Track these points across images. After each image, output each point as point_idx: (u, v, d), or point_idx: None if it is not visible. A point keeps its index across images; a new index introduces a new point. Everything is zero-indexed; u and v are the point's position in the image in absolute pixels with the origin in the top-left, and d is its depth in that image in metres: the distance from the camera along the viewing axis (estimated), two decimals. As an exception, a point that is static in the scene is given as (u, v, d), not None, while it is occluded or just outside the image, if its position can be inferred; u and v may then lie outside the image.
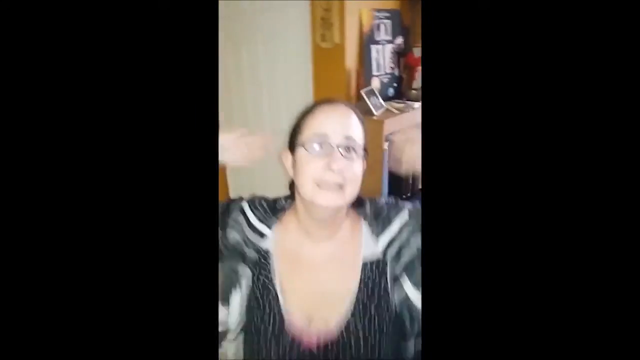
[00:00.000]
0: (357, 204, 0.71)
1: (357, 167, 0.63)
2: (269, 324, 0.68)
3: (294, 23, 1.75)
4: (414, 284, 0.65)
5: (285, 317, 0.67)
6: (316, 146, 0.62)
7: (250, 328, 0.70)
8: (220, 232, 0.72)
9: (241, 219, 0.73)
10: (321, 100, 0.68)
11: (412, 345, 0.68)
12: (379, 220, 0.70)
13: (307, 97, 1.82)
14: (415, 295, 0.65)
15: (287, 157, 0.68)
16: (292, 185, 0.70)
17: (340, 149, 0.61)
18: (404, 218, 0.69)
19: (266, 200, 0.76)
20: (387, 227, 0.69)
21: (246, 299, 0.71)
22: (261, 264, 0.70)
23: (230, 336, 0.73)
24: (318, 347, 0.65)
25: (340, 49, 1.63)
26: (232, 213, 0.73)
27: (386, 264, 0.67)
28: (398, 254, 0.67)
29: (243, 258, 0.71)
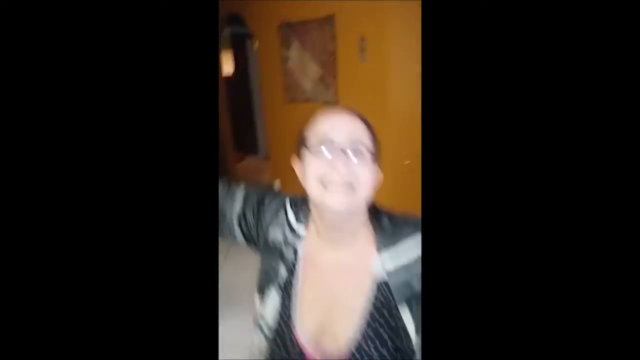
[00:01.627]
0: (374, 214, 0.65)
1: (367, 170, 0.58)
2: (283, 332, 0.65)
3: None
4: (413, 316, 0.60)
5: (296, 327, 0.64)
6: (322, 148, 0.58)
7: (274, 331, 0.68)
8: (263, 225, 0.72)
9: (283, 216, 0.71)
10: (325, 108, 0.65)
11: None
12: (389, 240, 0.63)
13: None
14: (412, 329, 0.60)
15: (297, 164, 0.65)
16: None
17: (348, 150, 0.57)
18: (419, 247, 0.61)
19: (304, 197, 0.70)
20: (398, 251, 0.62)
21: (280, 299, 0.68)
22: (293, 266, 0.68)
23: (265, 330, 0.70)
24: None
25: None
26: (274, 207, 0.72)
27: (391, 289, 0.61)
28: (406, 285, 0.61)
29: (282, 257, 0.68)
